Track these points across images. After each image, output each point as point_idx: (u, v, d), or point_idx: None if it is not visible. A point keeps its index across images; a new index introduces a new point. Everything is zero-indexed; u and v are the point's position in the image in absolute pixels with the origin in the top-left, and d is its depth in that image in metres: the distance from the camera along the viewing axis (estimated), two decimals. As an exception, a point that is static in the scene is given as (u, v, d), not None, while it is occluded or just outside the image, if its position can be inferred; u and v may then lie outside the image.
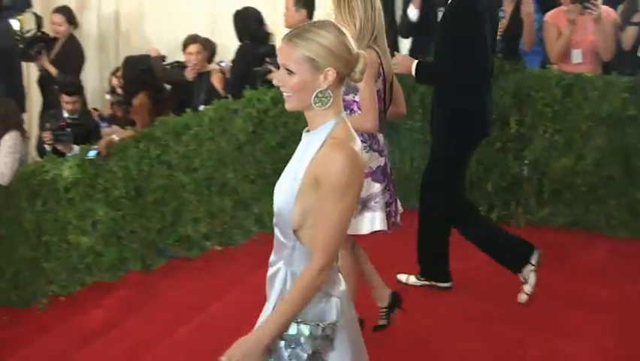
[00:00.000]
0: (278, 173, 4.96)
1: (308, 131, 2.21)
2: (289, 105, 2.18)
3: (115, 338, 4.26)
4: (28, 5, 6.22)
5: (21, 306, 5.42)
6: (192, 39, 5.94)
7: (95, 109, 5.76)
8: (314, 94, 2.12)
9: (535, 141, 5.25)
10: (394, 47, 5.39)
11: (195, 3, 7.52)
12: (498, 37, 4.43)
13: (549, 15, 5.55)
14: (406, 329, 3.81)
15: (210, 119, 5.11)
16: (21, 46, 6.13)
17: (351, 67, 2.16)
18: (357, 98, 3.42)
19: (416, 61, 4.03)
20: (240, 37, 5.76)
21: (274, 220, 2.24)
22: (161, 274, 5.09)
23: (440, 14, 4.61)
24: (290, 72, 2.13)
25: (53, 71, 6.32)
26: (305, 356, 2.13)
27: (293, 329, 2.13)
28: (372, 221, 3.45)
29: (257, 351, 2.10)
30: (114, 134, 5.44)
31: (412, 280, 4.42)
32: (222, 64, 6.11)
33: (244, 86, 5.29)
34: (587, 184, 5.19)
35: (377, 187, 3.49)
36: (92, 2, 7.77)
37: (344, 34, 2.16)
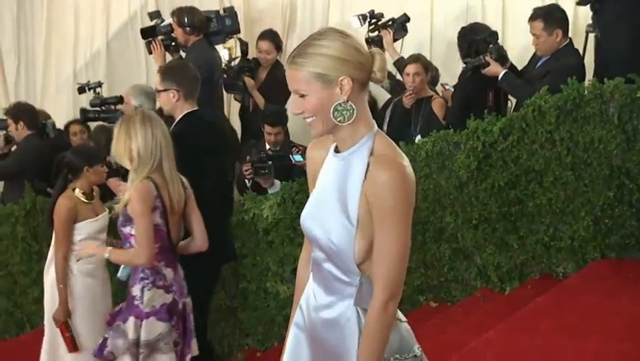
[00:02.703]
0: (506, 218, 4.73)
1: (337, 152, 2.22)
2: (315, 130, 2.19)
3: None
4: (237, 30, 6.47)
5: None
6: (414, 58, 5.91)
7: (294, 144, 5.85)
8: (332, 107, 2.12)
9: None
10: None
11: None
12: None
13: None
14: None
15: (427, 153, 5.01)
16: (225, 76, 6.38)
17: (368, 69, 2.15)
18: (133, 231, 3.72)
19: None
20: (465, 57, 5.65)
21: (319, 255, 2.25)
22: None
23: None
24: (302, 96, 2.14)
25: (261, 101, 6.53)
26: None
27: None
28: None
29: None
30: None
31: None
32: (447, 87, 6.02)
33: (468, 114, 5.15)
34: None
35: (163, 327, 3.84)
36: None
37: (348, 36, 2.16)
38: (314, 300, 2.31)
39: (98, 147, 5.08)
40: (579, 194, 4.73)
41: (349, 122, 2.15)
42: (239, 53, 6.52)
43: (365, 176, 2.15)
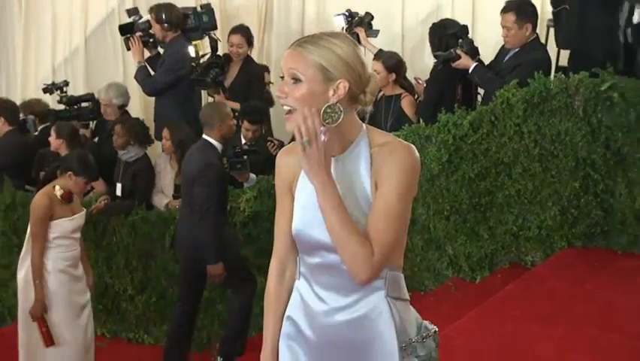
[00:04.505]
0: (476, 208, 4.73)
1: (334, 156, 2.13)
2: (290, 122, 2.09)
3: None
4: (214, 27, 6.42)
5: (196, 350, 5.58)
6: (377, 56, 5.88)
7: (270, 140, 5.83)
8: (323, 109, 2.05)
9: None
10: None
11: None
12: None
13: None
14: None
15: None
16: (196, 73, 6.34)
17: (363, 86, 2.11)
18: None
19: None
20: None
21: (331, 259, 2.15)
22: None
23: None
24: (297, 80, 2.07)
25: (234, 105, 6.43)
26: None
27: (422, 350, 2.19)
28: None
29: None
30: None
31: None
32: (420, 81, 6.01)
33: (440, 108, 5.16)
34: None
35: None
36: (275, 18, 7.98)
37: (359, 47, 2.12)
38: (322, 305, 2.20)
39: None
40: (546, 185, 4.76)
41: (334, 125, 2.07)
42: (208, 50, 6.46)
43: (371, 167, 2.11)
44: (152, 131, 6.28)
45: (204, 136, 5.06)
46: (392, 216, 2.08)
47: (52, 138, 6.15)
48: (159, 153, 6.41)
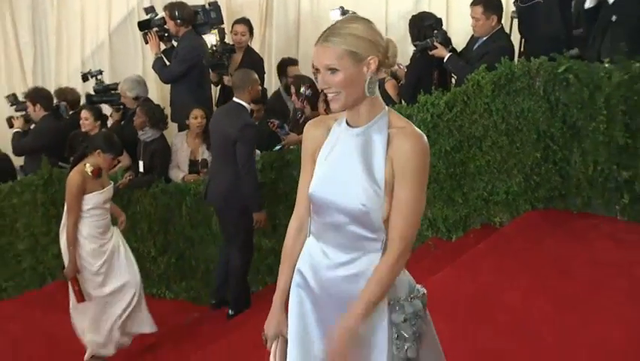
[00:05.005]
0: (452, 177, 4.70)
1: (351, 127, 2.14)
2: (338, 105, 2.11)
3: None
4: (220, 22, 6.40)
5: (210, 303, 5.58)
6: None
7: (271, 120, 5.78)
8: (366, 83, 2.07)
9: None
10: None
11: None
12: None
13: None
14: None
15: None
16: (216, 58, 6.32)
17: (386, 52, 2.10)
18: None
19: None
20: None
21: (339, 220, 2.14)
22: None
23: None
24: (333, 70, 2.06)
25: None
26: (425, 326, 2.19)
27: (409, 307, 2.16)
28: None
29: (350, 339, 2.09)
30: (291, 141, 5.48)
31: None
32: (402, 66, 5.95)
33: (419, 90, 5.11)
34: None
35: None
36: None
37: (372, 23, 2.11)
38: (326, 259, 2.19)
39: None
40: (512, 155, 4.73)
41: (375, 95, 2.11)
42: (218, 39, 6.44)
43: (388, 146, 2.09)
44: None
45: (235, 99, 5.01)
46: (411, 216, 2.11)
47: (89, 121, 6.16)
48: (175, 133, 6.39)
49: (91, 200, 4.68)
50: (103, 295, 4.79)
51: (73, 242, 4.63)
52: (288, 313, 2.27)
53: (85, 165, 4.69)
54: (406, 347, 2.14)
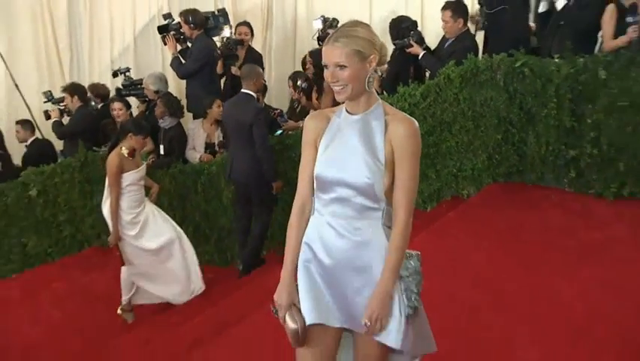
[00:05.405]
0: (427, 157, 4.66)
1: (351, 114, 2.16)
2: (344, 96, 2.13)
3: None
4: (228, 25, 6.36)
5: (221, 265, 5.58)
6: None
7: (271, 109, 5.73)
8: (367, 78, 2.11)
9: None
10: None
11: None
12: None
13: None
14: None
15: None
16: (228, 49, 6.33)
17: (381, 51, 2.14)
18: None
19: None
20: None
21: (346, 193, 2.13)
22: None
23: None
24: (342, 67, 2.08)
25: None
26: (421, 280, 2.20)
27: (410, 264, 2.17)
28: None
29: (388, 300, 2.11)
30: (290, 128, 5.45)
31: None
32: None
33: (398, 83, 5.08)
34: None
35: None
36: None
37: (370, 26, 2.14)
38: (333, 231, 2.15)
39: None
40: (477, 138, 4.73)
41: (371, 89, 2.14)
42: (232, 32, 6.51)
43: (385, 129, 2.12)
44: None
45: (244, 90, 5.01)
46: (410, 192, 2.13)
47: (123, 111, 6.16)
48: (190, 120, 6.38)
49: (128, 178, 4.67)
50: (151, 253, 4.77)
51: (115, 215, 4.61)
52: (298, 281, 2.22)
53: (121, 148, 4.66)
54: (413, 298, 2.16)
